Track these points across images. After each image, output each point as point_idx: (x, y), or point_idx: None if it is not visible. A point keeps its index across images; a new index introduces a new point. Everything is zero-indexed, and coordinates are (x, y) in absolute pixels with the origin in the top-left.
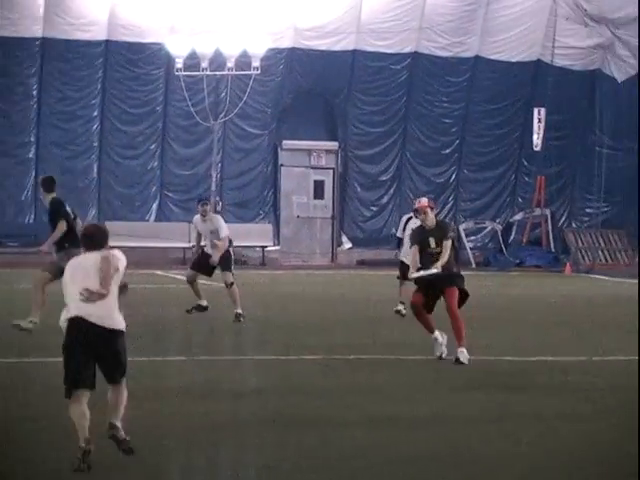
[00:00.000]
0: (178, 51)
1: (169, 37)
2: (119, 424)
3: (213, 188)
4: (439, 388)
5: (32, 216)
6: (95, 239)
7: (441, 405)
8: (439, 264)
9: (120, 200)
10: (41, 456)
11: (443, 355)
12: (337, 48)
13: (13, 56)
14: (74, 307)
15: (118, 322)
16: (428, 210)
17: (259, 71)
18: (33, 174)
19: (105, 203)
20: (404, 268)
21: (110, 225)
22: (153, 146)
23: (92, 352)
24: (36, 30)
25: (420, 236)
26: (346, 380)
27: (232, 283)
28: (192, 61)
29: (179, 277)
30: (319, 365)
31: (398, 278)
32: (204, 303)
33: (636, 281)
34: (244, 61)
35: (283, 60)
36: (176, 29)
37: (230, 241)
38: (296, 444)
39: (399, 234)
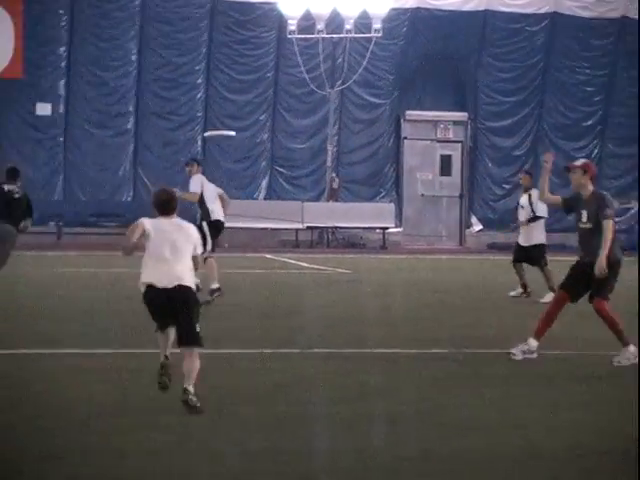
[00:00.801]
0: (291, 12)
1: None
2: (191, 389)
3: (329, 163)
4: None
5: (130, 193)
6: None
7: None
8: (601, 259)
9: (227, 176)
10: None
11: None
12: (467, 8)
13: (111, 17)
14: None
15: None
16: (578, 170)
17: (380, 34)
18: (132, 147)
19: (210, 179)
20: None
21: None
22: (263, 117)
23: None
24: None
25: (573, 202)
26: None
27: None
28: (306, 23)
29: (291, 261)
30: (447, 360)
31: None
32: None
33: None
34: (364, 23)
35: (407, 22)
36: None
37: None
38: None
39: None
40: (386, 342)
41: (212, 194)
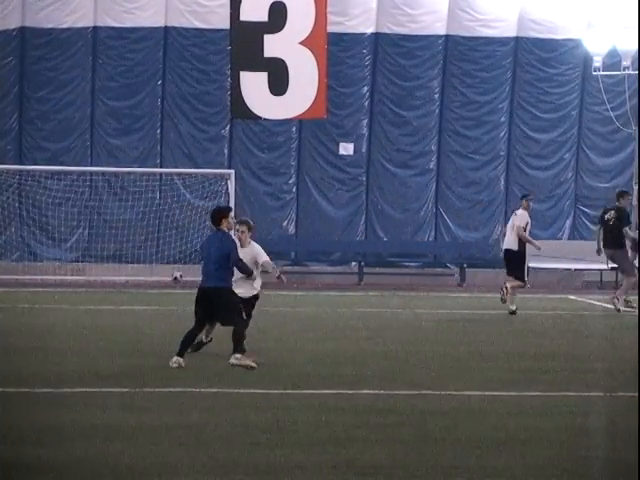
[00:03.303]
0: (597, 49)
1: (586, 32)
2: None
3: (634, 202)
4: None
5: (432, 233)
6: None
7: None
8: None
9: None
10: None
11: None
12: None
13: (415, 56)
14: None
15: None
16: None
17: None
18: (434, 186)
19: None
20: None
21: None
22: (567, 155)
23: None
24: (439, 28)
25: None
26: None
27: None
28: (612, 59)
29: (596, 303)
30: None
31: None
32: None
33: None
34: None
35: None
36: (594, 24)
37: None
38: None
39: None
40: None
41: None
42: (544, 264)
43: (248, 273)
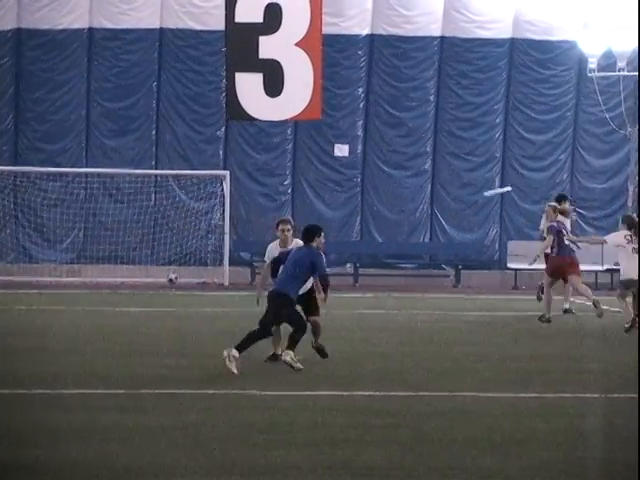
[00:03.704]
0: (592, 50)
1: (581, 34)
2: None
3: (629, 204)
4: None
5: (427, 234)
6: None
7: None
8: None
9: (524, 217)
10: None
11: None
12: None
13: (410, 58)
14: None
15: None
16: None
17: None
18: (429, 187)
19: (506, 220)
20: None
21: (513, 245)
22: (562, 156)
23: None
24: (434, 29)
25: None
26: None
27: None
28: (607, 61)
29: (589, 304)
30: None
31: None
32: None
33: None
34: None
35: None
36: (589, 25)
37: None
38: None
39: None
40: None
41: None
42: (539, 265)
43: (328, 284)
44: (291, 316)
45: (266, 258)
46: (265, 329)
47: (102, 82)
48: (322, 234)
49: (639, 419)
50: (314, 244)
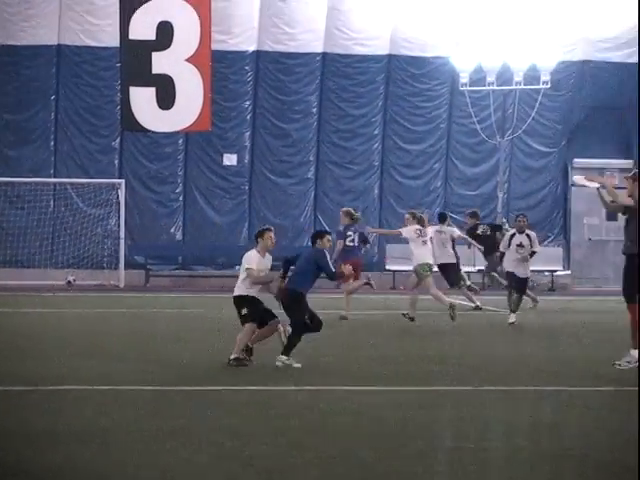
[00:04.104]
0: (463, 65)
1: (454, 51)
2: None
3: (499, 209)
4: None
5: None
6: None
7: None
8: None
9: (401, 222)
10: None
11: None
12: (632, 60)
13: (294, 72)
14: None
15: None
16: None
17: (549, 85)
18: (312, 194)
19: (385, 225)
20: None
21: (391, 248)
22: (436, 165)
23: None
24: (316, 46)
25: None
26: None
27: None
28: (478, 75)
29: (465, 303)
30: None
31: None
32: None
33: None
34: (532, 75)
35: (574, 73)
36: (461, 42)
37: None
38: None
39: (503, 249)
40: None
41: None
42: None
43: (336, 278)
44: (293, 314)
45: (250, 265)
46: (300, 327)
47: (2, 95)
48: (328, 237)
49: (639, 419)
50: (318, 245)
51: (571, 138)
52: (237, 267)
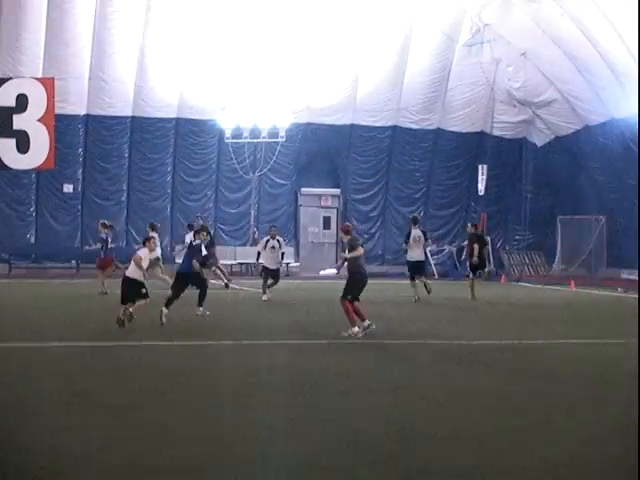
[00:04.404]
0: (227, 125)
1: (221, 115)
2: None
3: (252, 222)
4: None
5: (124, 244)
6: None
7: None
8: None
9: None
10: None
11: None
12: (340, 122)
13: (111, 130)
14: None
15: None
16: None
17: (284, 139)
18: (125, 213)
19: (176, 232)
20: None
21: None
22: (210, 192)
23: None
24: (127, 110)
25: None
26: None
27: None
28: (237, 132)
29: (235, 286)
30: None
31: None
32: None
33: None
34: (274, 132)
35: (301, 131)
36: (226, 109)
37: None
38: None
39: (260, 249)
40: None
41: None
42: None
43: (200, 263)
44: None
45: (143, 259)
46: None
47: None
48: (203, 233)
49: (639, 418)
50: (195, 239)
51: (299, 174)
52: (73, 262)
